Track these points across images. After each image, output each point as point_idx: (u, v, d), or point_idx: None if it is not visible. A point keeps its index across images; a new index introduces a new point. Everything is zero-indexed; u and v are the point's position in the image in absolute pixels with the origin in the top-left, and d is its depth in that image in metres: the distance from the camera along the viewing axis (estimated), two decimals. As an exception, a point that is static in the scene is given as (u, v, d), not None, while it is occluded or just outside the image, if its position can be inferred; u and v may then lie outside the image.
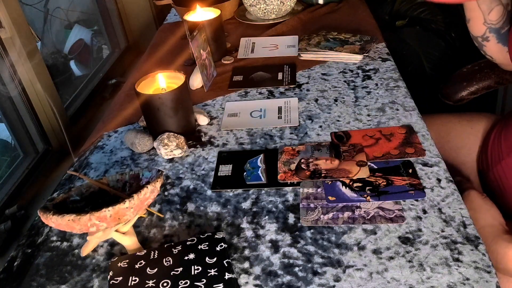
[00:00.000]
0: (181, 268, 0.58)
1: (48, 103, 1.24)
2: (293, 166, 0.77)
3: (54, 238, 0.71)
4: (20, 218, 1.05)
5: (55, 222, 0.58)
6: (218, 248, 0.61)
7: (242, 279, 0.60)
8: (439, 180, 0.71)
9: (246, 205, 0.72)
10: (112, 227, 0.61)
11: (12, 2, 1.15)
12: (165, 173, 0.81)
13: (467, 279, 0.56)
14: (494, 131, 0.92)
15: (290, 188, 0.74)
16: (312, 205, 0.70)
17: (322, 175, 0.74)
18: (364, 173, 0.74)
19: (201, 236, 0.63)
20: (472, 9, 0.83)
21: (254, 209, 0.71)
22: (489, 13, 0.81)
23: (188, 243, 0.62)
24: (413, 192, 0.69)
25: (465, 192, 0.81)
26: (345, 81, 1.00)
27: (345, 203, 0.69)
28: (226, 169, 0.79)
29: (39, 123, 1.23)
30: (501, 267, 0.71)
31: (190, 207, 0.73)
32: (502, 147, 0.88)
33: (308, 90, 0.99)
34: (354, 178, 0.73)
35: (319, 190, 0.72)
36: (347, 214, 0.67)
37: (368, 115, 0.88)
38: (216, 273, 0.57)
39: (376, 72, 1.02)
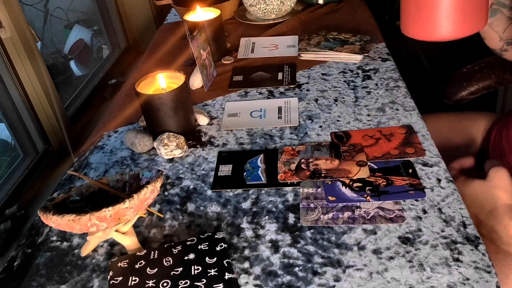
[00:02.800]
0: (181, 268, 0.58)
1: (48, 103, 1.24)
2: (293, 166, 0.77)
3: (54, 238, 0.71)
4: (20, 218, 1.05)
5: (55, 222, 0.58)
6: (218, 248, 0.61)
7: (242, 279, 0.60)
8: (439, 180, 0.71)
9: (246, 205, 0.72)
10: (112, 227, 0.61)
11: (12, 2, 1.15)
12: (165, 173, 0.81)
13: (467, 279, 0.56)
14: (495, 129, 0.92)
15: (290, 188, 0.74)
16: (312, 205, 0.70)
17: (322, 175, 0.74)
18: (364, 173, 0.74)
19: (201, 236, 0.63)
20: (486, 31, 0.82)
21: (254, 209, 0.71)
22: (504, 32, 0.81)
23: (188, 243, 0.62)
24: (413, 192, 0.69)
25: (498, 167, 0.74)
26: (345, 81, 1.00)
27: (345, 203, 0.69)
28: (226, 169, 0.79)
29: (39, 123, 1.24)
30: None
31: (190, 207, 0.73)
32: (503, 145, 0.88)
33: (308, 90, 0.99)
34: (354, 178, 0.73)
35: (319, 190, 0.72)
36: (347, 214, 0.67)
37: (368, 115, 0.88)
38: (216, 273, 0.57)
39: (376, 72, 1.02)
